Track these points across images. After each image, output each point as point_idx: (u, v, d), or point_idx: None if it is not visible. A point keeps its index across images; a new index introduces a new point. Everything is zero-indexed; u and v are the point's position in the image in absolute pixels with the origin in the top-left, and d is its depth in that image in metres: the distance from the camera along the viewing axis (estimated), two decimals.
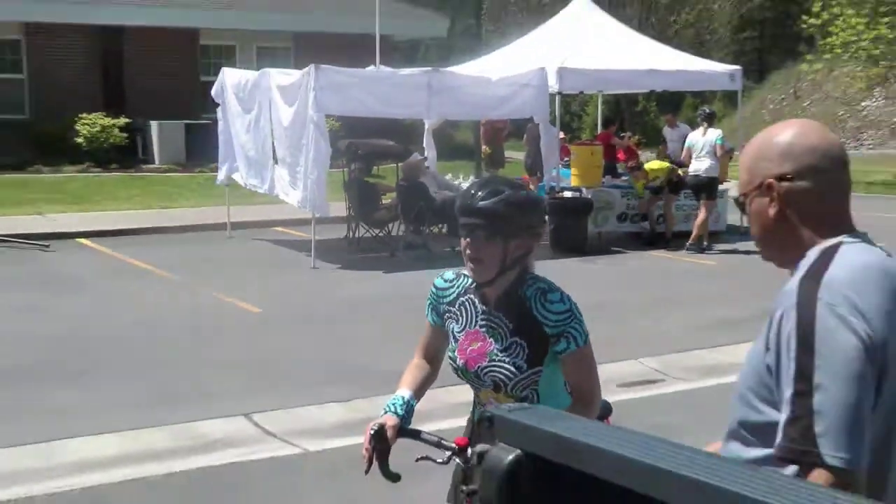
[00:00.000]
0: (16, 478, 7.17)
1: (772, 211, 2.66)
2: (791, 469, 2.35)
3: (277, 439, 7.89)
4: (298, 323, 11.66)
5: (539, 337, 3.45)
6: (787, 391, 2.39)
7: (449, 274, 3.67)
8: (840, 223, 2.71)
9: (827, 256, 2.55)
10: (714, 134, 17.47)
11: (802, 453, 2.32)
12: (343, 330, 11.36)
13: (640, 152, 20.95)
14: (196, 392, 9.08)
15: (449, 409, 7.45)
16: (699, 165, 17.42)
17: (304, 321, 11.75)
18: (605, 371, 9.52)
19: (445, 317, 3.63)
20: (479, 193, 3.42)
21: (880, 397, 2.40)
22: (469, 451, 2.58)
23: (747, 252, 16.66)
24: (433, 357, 3.77)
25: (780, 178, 2.65)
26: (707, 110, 18.59)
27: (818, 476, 2.29)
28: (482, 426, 2.09)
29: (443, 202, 15.69)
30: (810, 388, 2.34)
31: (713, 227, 18.11)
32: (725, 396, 8.94)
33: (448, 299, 3.60)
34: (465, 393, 4.05)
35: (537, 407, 2.72)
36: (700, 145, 17.45)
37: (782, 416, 2.40)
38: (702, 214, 17.43)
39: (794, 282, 2.53)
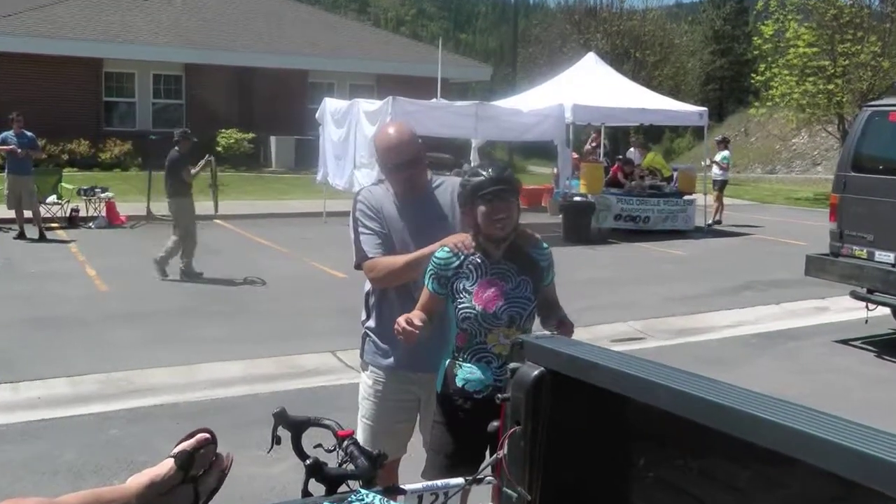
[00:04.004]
0: (167, 389, 7.23)
1: None
2: None
3: (354, 370, 7.86)
4: None
5: (537, 271, 3.38)
6: None
7: (446, 249, 3.41)
8: None
9: None
10: (720, 154, 20.17)
11: None
12: None
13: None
14: (295, 333, 9.10)
15: None
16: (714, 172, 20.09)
17: None
18: (600, 330, 9.57)
19: (453, 280, 3.35)
20: (499, 168, 3.35)
21: None
22: (345, 442, 2.42)
23: (707, 246, 16.52)
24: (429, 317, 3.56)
25: None
26: (721, 137, 21.65)
27: None
28: (515, 349, 2.04)
29: None
30: None
31: (683, 227, 18.13)
32: (690, 351, 8.88)
33: (455, 264, 3.35)
34: None
35: (555, 336, 2.68)
36: (718, 159, 20.10)
37: None
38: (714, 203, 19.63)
39: None
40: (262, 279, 11.72)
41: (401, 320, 3.17)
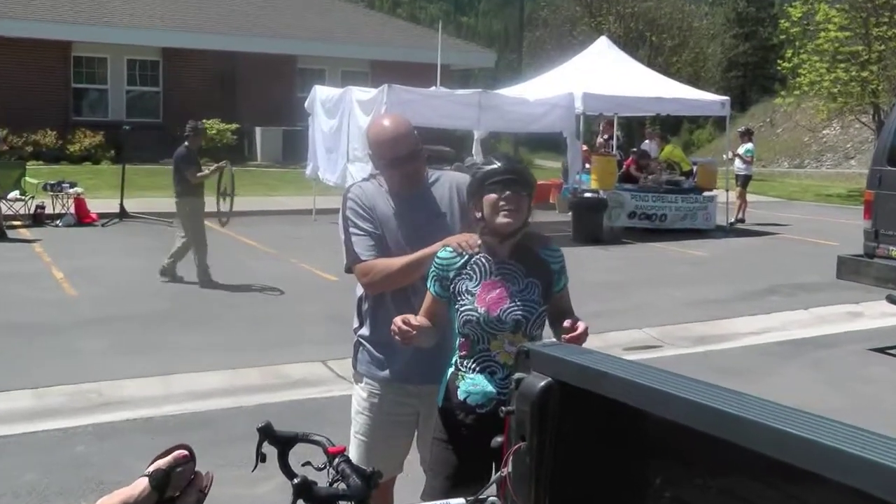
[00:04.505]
0: (141, 402, 7.22)
1: None
2: None
3: (347, 381, 7.86)
4: None
5: (547, 274, 3.36)
6: None
7: (448, 249, 3.41)
8: None
9: None
10: (743, 147, 20.33)
11: None
12: None
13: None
14: (282, 340, 9.09)
15: None
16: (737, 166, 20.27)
17: None
18: (613, 337, 9.56)
19: (456, 281, 3.33)
20: (513, 160, 3.37)
21: None
22: (336, 460, 2.41)
23: (730, 246, 16.54)
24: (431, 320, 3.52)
25: None
26: (744, 128, 22.04)
27: None
28: (519, 358, 2.04)
29: None
30: None
31: (703, 226, 18.16)
32: (711, 360, 8.88)
33: (458, 264, 3.35)
34: None
35: (563, 344, 2.67)
36: (741, 152, 20.24)
37: None
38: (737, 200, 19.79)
39: None
40: (246, 282, 11.71)
41: (397, 320, 3.17)
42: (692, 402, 1.56)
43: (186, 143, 11.61)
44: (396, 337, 3.17)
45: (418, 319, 3.24)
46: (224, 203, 12.08)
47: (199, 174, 11.46)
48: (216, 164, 11.94)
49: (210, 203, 11.95)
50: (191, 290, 11.23)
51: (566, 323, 3.24)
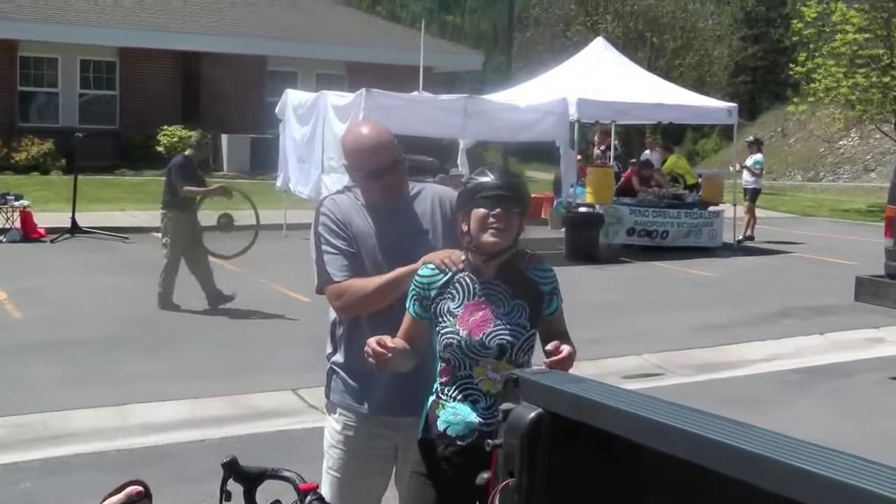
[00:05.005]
0: (94, 435, 7.19)
1: None
2: None
3: (319, 412, 7.84)
4: None
5: (536, 296, 3.36)
6: None
7: (430, 266, 3.41)
8: None
9: None
10: (752, 158, 20.25)
11: None
12: None
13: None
14: (249, 367, 9.07)
15: None
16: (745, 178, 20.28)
17: None
18: (610, 364, 9.58)
19: (437, 300, 3.34)
20: (508, 174, 3.38)
21: None
22: (308, 498, 2.40)
23: (739, 265, 16.59)
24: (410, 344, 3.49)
25: None
26: (753, 137, 22.17)
27: None
28: (508, 387, 2.04)
29: None
30: None
31: (708, 243, 18.23)
32: (717, 390, 8.88)
33: (440, 282, 3.35)
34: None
35: (555, 371, 2.67)
36: (750, 164, 20.22)
37: None
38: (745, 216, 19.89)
39: None
40: (209, 303, 11.67)
41: (371, 341, 3.17)
42: (695, 436, 1.56)
43: (186, 153, 11.54)
44: (370, 360, 3.17)
45: (394, 341, 3.24)
46: (227, 236, 11.94)
47: (186, 188, 11.22)
48: (216, 186, 11.70)
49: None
50: (149, 312, 11.18)
51: (549, 346, 3.22)
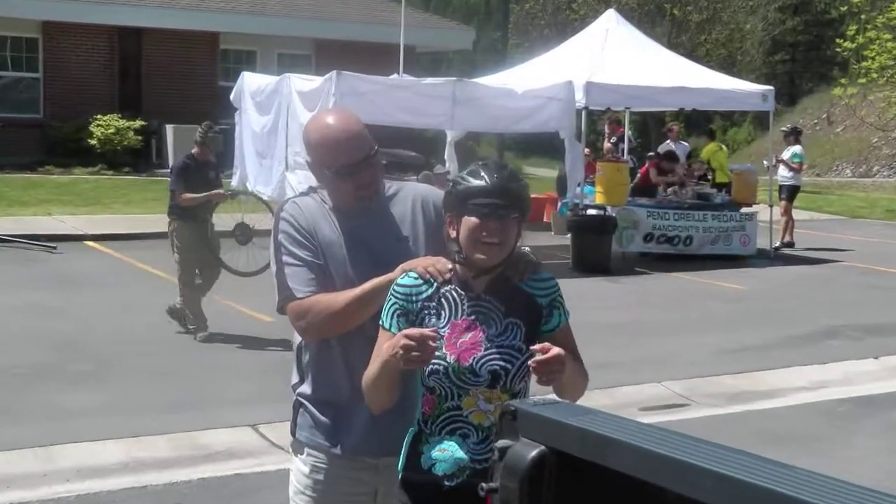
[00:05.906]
0: (13, 482, 7.16)
1: None
2: None
3: (284, 452, 7.84)
4: None
5: (533, 312, 3.34)
6: None
7: (412, 275, 3.39)
8: None
9: None
10: (790, 150, 20.40)
11: None
12: None
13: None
14: (200, 400, 9.05)
15: None
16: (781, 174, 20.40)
17: None
18: (627, 394, 9.59)
19: (422, 315, 3.31)
20: (506, 175, 3.31)
21: None
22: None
23: (777, 277, 16.62)
24: None
25: None
26: (790, 126, 22.57)
27: None
28: (504, 420, 2.04)
29: None
30: None
31: (739, 251, 18.25)
32: (751, 424, 8.89)
33: (424, 295, 3.33)
34: None
35: (560, 402, 2.68)
36: (787, 157, 20.35)
37: None
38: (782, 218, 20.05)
39: None
40: (153, 324, 11.65)
41: (412, 332, 3.13)
42: (727, 477, 1.56)
43: (192, 152, 11.41)
44: (413, 363, 3.13)
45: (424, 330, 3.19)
46: (245, 249, 11.86)
47: (185, 196, 11.12)
48: (215, 192, 11.58)
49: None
50: (71, 338, 11.12)
51: (535, 346, 3.16)
